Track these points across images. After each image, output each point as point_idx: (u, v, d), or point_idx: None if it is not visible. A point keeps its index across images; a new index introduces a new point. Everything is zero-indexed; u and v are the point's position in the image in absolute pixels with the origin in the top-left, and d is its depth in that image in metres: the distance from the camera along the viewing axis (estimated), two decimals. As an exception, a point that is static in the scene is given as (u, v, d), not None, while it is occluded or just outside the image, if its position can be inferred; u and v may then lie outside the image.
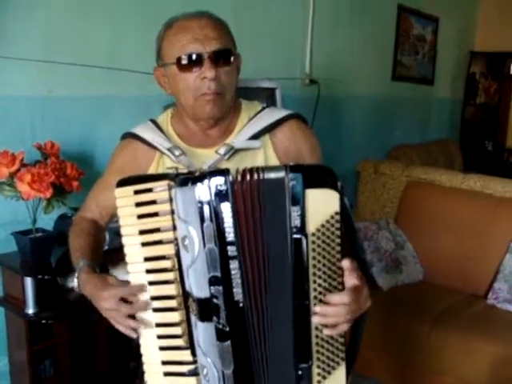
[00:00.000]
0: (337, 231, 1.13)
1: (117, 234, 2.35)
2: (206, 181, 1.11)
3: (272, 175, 1.12)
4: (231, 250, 1.12)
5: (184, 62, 1.32)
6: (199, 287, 1.14)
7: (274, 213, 1.13)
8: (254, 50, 3.26)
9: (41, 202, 2.17)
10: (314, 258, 1.13)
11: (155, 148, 1.42)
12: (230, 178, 1.11)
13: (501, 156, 6.34)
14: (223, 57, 1.34)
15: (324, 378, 1.20)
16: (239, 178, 1.12)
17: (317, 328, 1.17)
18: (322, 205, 1.12)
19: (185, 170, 1.25)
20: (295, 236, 1.12)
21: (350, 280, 1.16)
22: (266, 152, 1.42)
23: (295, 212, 1.11)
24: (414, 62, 5.20)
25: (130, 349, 2.54)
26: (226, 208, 1.11)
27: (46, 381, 2.31)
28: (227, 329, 1.14)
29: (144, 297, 1.23)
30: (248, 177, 1.12)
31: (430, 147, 5.16)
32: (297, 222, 1.12)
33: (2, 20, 2.26)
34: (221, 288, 1.13)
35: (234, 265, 1.12)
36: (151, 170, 1.43)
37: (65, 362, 2.30)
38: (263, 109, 1.48)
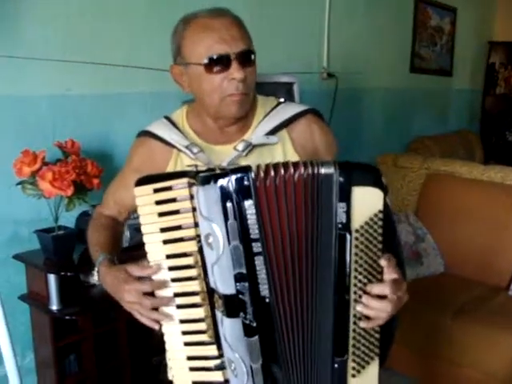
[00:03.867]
0: (379, 229, 1.15)
1: (137, 230, 2.37)
2: (228, 178, 1.11)
3: (321, 170, 1.12)
4: (256, 247, 1.13)
5: (212, 63, 1.31)
6: (225, 284, 1.15)
7: (319, 208, 1.13)
8: (271, 46, 3.26)
9: (62, 200, 2.19)
10: (356, 254, 1.14)
11: (172, 146, 1.42)
12: (252, 174, 1.11)
13: (522, 147, 6.27)
14: (248, 57, 1.34)
15: (358, 371, 1.22)
16: (262, 173, 1.12)
17: (355, 322, 1.18)
18: (366, 202, 1.13)
19: (204, 167, 1.25)
20: (340, 232, 1.13)
21: (390, 274, 1.17)
22: (284, 147, 1.42)
23: (341, 208, 1.12)
24: (432, 54, 5.16)
25: (153, 344, 2.56)
26: (249, 205, 1.11)
27: (71, 376, 2.34)
28: (254, 324, 1.15)
29: (167, 292, 1.24)
30: (275, 171, 1.12)
31: (450, 139, 5.12)
32: (343, 218, 1.13)
33: (20, 21, 2.28)
34: (246, 284, 1.13)
35: (258, 261, 1.13)
36: (169, 168, 1.44)
37: (89, 357, 2.32)
38: (279, 104, 1.48)
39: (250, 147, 1.38)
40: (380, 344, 1.22)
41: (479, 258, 3.27)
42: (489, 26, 6.09)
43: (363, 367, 1.22)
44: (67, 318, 2.22)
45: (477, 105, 6.20)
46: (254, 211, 1.11)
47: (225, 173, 1.12)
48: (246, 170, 1.12)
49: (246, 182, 1.11)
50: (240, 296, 1.14)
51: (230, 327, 1.17)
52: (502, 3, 6.06)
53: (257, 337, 1.16)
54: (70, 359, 2.34)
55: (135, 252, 2.19)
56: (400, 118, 4.84)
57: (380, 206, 1.14)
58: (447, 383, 2.88)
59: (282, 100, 1.51)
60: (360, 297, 1.16)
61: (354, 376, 1.22)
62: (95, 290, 2.31)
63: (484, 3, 5.89)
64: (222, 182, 1.11)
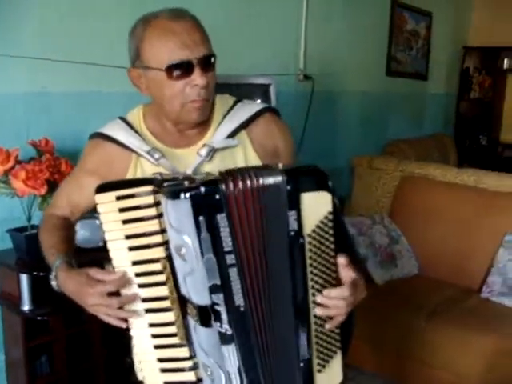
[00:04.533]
0: (330, 230, 1.17)
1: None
2: (199, 192, 1.10)
3: (270, 180, 1.13)
4: (230, 259, 1.13)
5: (173, 69, 1.27)
6: (199, 295, 1.15)
7: (272, 217, 1.15)
8: (248, 47, 3.26)
9: (35, 199, 2.17)
10: (310, 258, 1.17)
11: (131, 150, 1.38)
12: (223, 186, 1.11)
13: (495, 150, 6.36)
14: (209, 62, 1.31)
15: (323, 367, 1.24)
16: (232, 185, 1.12)
17: (316, 322, 1.20)
18: (316, 206, 1.15)
19: (169, 175, 1.24)
20: (293, 239, 1.15)
21: (347, 273, 1.19)
22: (245, 149, 1.42)
23: (292, 216, 1.14)
24: (407, 58, 5.21)
25: (126, 344, 2.54)
26: (221, 218, 1.11)
27: (43, 377, 2.32)
28: (230, 332, 1.16)
29: (131, 290, 1.23)
30: (242, 182, 1.13)
31: (425, 142, 5.17)
32: (294, 225, 1.14)
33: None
34: (221, 295, 1.14)
35: (233, 272, 1.14)
36: (129, 174, 1.39)
37: (61, 358, 2.30)
38: (235, 103, 1.46)
39: (213, 151, 1.37)
40: (341, 338, 1.25)
41: (452, 261, 3.31)
42: (464, 31, 6.16)
43: (327, 362, 1.25)
44: (39, 318, 2.20)
45: (451, 109, 6.27)
46: (226, 223, 1.12)
47: (195, 186, 1.11)
48: (216, 182, 1.12)
49: (217, 196, 1.11)
50: (215, 307, 1.14)
51: (205, 335, 1.18)
52: (477, 9, 6.14)
53: (233, 344, 1.17)
54: (42, 360, 2.31)
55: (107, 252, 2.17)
56: (376, 121, 4.88)
57: (329, 208, 1.16)
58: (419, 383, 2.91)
59: (237, 99, 1.49)
60: (317, 297, 1.19)
61: (319, 371, 1.24)
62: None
63: (459, 9, 5.96)
64: (193, 196, 1.10)
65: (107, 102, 2.67)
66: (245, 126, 1.41)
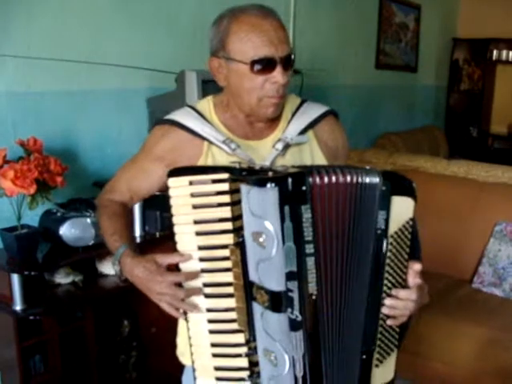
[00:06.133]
0: (408, 235, 1.25)
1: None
2: (287, 183, 1.13)
3: (367, 179, 1.19)
4: (309, 248, 1.16)
5: (257, 63, 1.31)
6: (273, 281, 1.17)
7: (363, 214, 1.20)
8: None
9: (25, 199, 2.16)
10: (388, 258, 1.23)
11: (203, 138, 1.40)
12: (310, 179, 1.15)
13: (485, 141, 6.39)
14: (290, 61, 1.36)
15: (381, 362, 1.31)
16: (318, 179, 1.15)
17: (382, 318, 1.26)
18: (401, 211, 1.23)
19: (246, 166, 1.28)
20: (379, 237, 1.21)
21: (417, 279, 1.28)
22: (311, 147, 1.47)
23: (382, 216, 1.21)
24: (397, 50, 5.22)
25: (119, 343, 2.55)
26: (305, 208, 1.14)
27: (37, 377, 2.31)
28: (299, 319, 1.18)
29: (196, 282, 1.27)
30: (328, 177, 1.16)
31: (416, 134, 5.19)
32: (382, 224, 1.21)
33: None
34: (296, 283, 1.16)
35: (310, 261, 1.16)
36: (200, 162, 1.41)
37: (55, 357, 2.29)
38: (302, 103, 1.51)
39: (287, 146, 1.41)
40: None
41: (444, 252, 3.32)
42: (452, 23, 6.18)
43: (385, 358, 1.31)
44: (31, 318, 2.20)
45: (442, 101, 6.29)
46: (310, 215, 1.14)
47: (282, 176, 1.14)
48: (303, 175, 1.15)
49: (303, 188, 1.14)
50: (289, 293, 1.16)
51: (274, 321, 1.19)
52: (465, 1, 6.15)
53: (301, 331, 1.19)
54: (35, 360, 2.31)
55: (100, 250, 2.18)
56: (366, 114, 4.88)
57: (411, 214, 1.24)
58: (414, 375, 2.92)
59: (302, 99, 1.54)
60: (388, 295, 1.25)
61: (377, 366, 1.30)
62: (60, 290, 2.29)
63: (447, 1, 5.97)
64: (280, 185, 1.12)
65: (96, 100, 2.66)
66: (312, 125, 1.47)
